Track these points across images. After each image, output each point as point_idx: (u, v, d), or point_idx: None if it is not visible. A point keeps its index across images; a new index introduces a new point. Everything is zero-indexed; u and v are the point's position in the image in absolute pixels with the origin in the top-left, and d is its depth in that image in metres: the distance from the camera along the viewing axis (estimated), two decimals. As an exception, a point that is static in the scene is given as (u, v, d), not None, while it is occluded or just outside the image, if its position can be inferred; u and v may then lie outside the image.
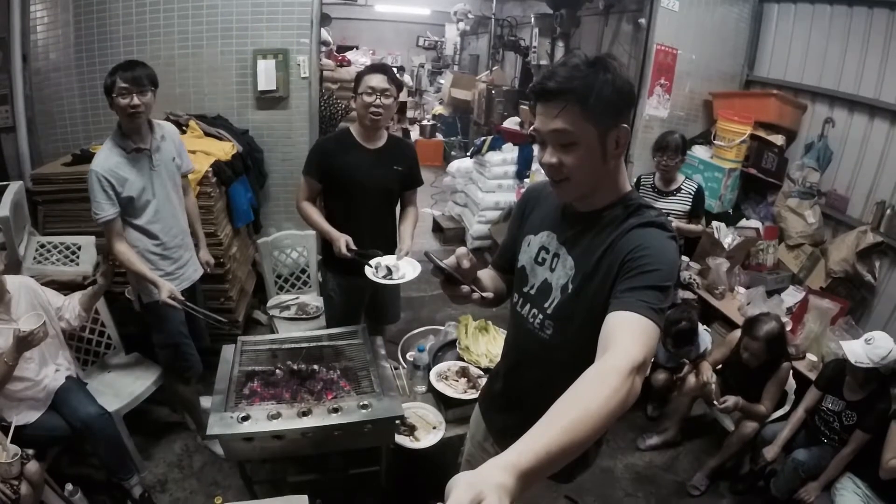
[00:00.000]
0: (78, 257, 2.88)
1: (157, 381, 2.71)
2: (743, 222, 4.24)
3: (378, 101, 2.33)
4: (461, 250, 1.24)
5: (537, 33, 5.71)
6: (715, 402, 2.71)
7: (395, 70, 2.48)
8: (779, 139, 4.17)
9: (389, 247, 2.47)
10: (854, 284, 3.61)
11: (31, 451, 2.07)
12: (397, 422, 2.08)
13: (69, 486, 2.27)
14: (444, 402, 2.29)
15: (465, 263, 1.23)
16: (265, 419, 1.91)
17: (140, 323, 2.54)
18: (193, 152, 2.68)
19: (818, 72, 4.05)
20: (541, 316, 1.30)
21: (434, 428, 2.22)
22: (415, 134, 8.92)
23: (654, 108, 4.35)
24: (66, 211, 2.96)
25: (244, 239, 3.71)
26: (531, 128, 1.34)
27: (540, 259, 1.32)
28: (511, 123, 5.81)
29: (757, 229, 4.14)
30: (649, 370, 2.97)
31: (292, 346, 2.37)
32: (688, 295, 3.63)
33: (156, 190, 2.31)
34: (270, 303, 3.39)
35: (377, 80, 2.33)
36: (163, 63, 3.60)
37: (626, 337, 0.98)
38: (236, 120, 3.78)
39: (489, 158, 5.14)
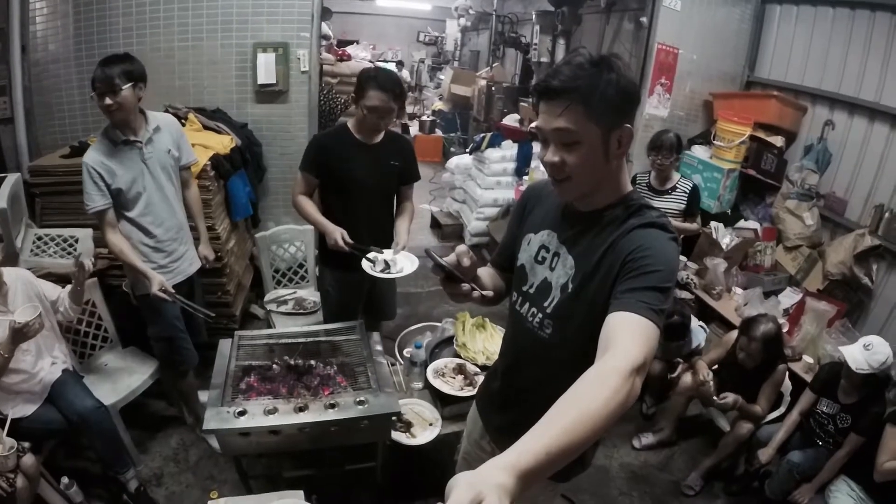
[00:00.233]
0: (75, 249, 2.87)
1: (153, 375, 2.71)
2: (741, 223, 4.25)
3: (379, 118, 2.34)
4: (461, 248, 1.23)
5: (538, 30, 5.69)
6: (714, 398, 2.71)
7: (399, 79, 2.41)
8: (778, 140, 4.17)
9: (387, 242, 2.47)
10: (851, 287, 3.62)
11: (27, 444, 2.07)
12: (394, 418, 2.09)
13: (65, 480, 2.28)
14: (440, 399, 2.30)
15: (466, 261, 1.22)
16: (261, 414, 1.91)
17: (137, 316, 2.54)
18: (192, 145, 2.67)
19: (819, 74, 4.05)
20: (540, 315, 1.30)
21: (430, 425, 2.23)
22: (414, 129, 8.91)
23: (655, 108, 4.35)
24: (63, 203, 2.95)
25: (242, 233, 3.70)
26: (533, 125, 1.33)
27: (540, 258, 1.31)
28: (511, 120, 5.80)
29: (755, 230, 4.14)
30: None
31: (289, 341, 2.37)
32: (685, 295, 3.65)
33: (146, 182, 2.29)
34: (268, 297, 3.39)
35: (381, 101, 2.29)
36: (162, 55, 3.59)
37: (627, 338, 0.99)
38: (235, 113, 3.77)
39: (488, 155, 5.13)
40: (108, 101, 2.10)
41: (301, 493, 1.86)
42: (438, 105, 9.33)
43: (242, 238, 3.69)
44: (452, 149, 7.72)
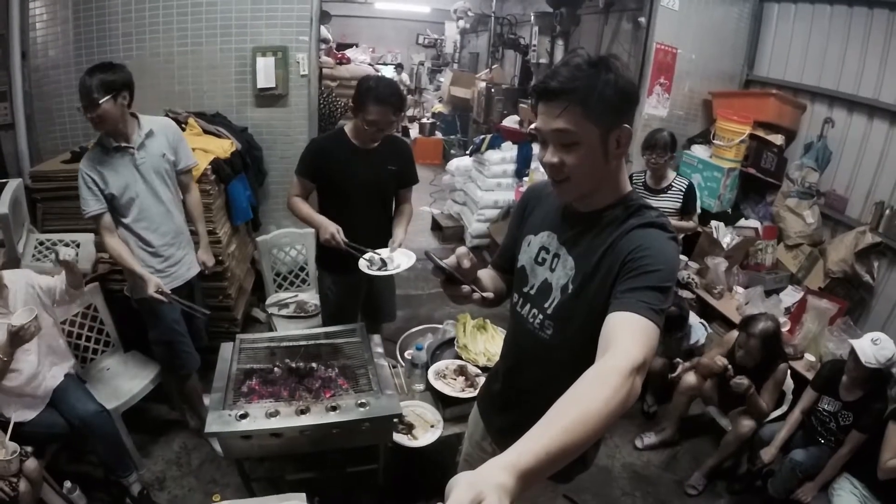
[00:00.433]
0: (77, 254, 2.87)
1: (155, 379, 2.71)
2: (742, 222, 4.25)
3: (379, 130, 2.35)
4: (462, 250, 1.24)
5: (537, 31, 5.70)
6: (730, 375, 2.67)
7: (399, 88, 2.40)
8: (778, 139, 4.17)
9: (385, 246, 2.46)
10: (852, 285, 3.62)
11: (29, 449, 2.07)
12: (395, 420, 2.09)
13: (68, 484, 2.28)
14: (442, 401, 2.30)
15: (466, 263, 1.22)
16: (263, 417, 1.92)
17: (138, 320, 2.54)
18: (193, 150, 2.67)
19: (818, 72, 4.05)
20: (541, 316, 1.30)
21: (432, 426, 2.23)
22: (414, 132, 8.92)
23: (654, 108, 4.35)
24: (64, 208, 2.95)
25: (243, 237, 3.70)
26: (532, 126, 1.34)
27: (540, 259, 1.31)
28: (510, 122, 5.80)
29: (756, 229, 4.14)
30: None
31: (291, 344, 2.37)
32: (686, 294, 3.64)
33: (139, 188, 2.29)
34: (269, 301, 3.39)
35: (380, 115, 2.29)
36: (162, 60, 3.60)
37: (627, 337, 0.99)
38: (235, 117, 3.77)
39: (488, 157, 5.13)
40: (88, 114, 2.12)
41: (303, 495, 1.86)
42: (438, 107, 9.34)
43: (244, 242, 3.69)
44: (452, 151, 7.73)
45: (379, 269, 2.30)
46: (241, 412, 1.92)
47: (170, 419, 2.92)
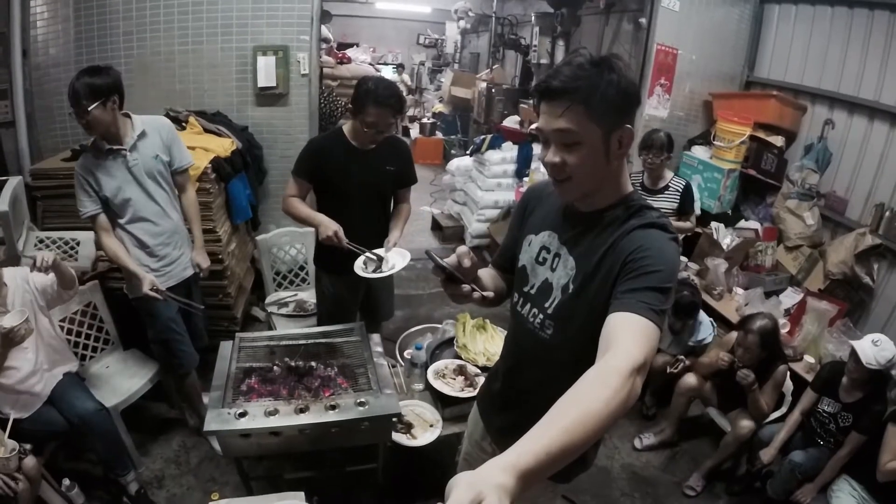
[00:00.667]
0: (77, 252, 2.88)
1: (154, 378, 2.71)
2: (742, 223, 4.25)
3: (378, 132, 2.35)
4: (462, 249, 1.23)
5: (538, 32, 5.70)
6: (739, 366, 2.65)
7: (398, 90, 2.37)
8: (778, 140, 4.18)
9: (382, 246, 2.46)
10: (852, 286, 3.62)
11: (28, 446, 2.07)
12: (394, 419, 2.09)
13: (66, 482, 2.28)
14: (441, 400, 2.29)
15: (466, 262, 1.22)
16: (262, 416, 1.91)
17: (138, 319, 2.54)
18: (193, 149, 2.66)
19: (818, 73, 4.06)
20: (541, 316, 1.30)
21: (431, 426, 2.23)
22: (414, 132, 8.92)
23: (654, 108, 4.35)
24: (65, 206, 2.95)
25: (243, 236, 3.70)
26: (533, 126, 1.34)
27: (541, 259, 1.31)
28: (511, 122, 5.80)
29: (756, 230, 4.14)
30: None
31: (290, 342, 2.37)
32: (697, 280, 3.63)
33: (132, 190, 2.29)
34: (269, 300, 3.39)
35: (379, 117, 2.28)
36: (163, 59, 3.60)
37: (627, 338, 0.99)
38: (236, 116, 3.77)
39: (489, 157, 5.13)
40: (79, 120, 2.13)
41: (302, 494, 1.86)
42: (439, 107, 9.33)
43: (243, 241, 3.69)
44: (453, 151, 7.72)
45: (374, 272, 2.30)
46: (241, 411, 1.92)
47: (169, 417, 2.92)
